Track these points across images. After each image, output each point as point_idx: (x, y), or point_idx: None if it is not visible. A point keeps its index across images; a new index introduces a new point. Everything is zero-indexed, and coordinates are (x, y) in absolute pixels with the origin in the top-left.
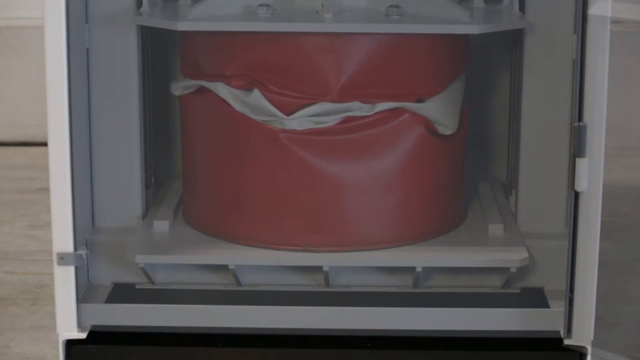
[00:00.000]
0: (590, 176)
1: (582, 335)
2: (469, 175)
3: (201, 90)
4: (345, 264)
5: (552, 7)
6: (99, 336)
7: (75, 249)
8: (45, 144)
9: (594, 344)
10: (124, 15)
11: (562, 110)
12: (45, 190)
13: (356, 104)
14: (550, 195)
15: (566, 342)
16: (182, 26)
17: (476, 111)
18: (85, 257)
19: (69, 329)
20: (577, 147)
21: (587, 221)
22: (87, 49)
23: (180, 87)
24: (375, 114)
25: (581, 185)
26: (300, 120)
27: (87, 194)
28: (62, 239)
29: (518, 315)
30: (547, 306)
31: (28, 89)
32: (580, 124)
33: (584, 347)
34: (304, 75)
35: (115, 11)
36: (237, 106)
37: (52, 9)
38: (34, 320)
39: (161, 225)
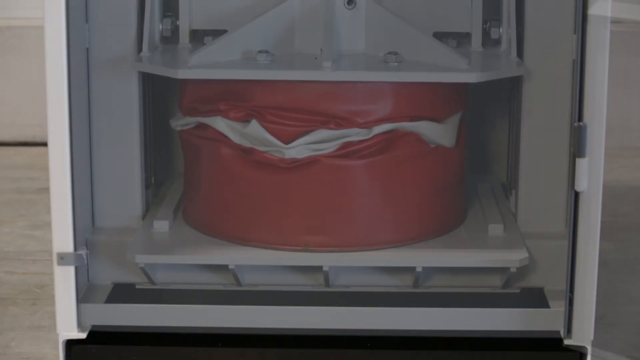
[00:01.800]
0: (590, 176)
1: (582, 335)
2: (469, 175)
3: (200, 125)
4: (345, 264)
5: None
6: (99, 336)
7: (75, 249)
8: (45, 144)
9: (594, 344)
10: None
11: (562, 111)
12: (45, 190)
13: (354, 129)
14: (550, 195)
15: (566, 342)
16: (182, 74)
17: (476, 112)
18: (85, 257)
19: (69, 329)
20: (577, 147)
21: (587, 221)
22: (87, 48)
23: (180, 124)
24: (373, 137)
25: (581, 185)
26: (299, 149)
27: (87, 194)
28: (62, 239)
29: (518, 315)
30: (547, 306)
31: (28, 89)
32: (580, 124)
33: (584, 347)
34: (302, 110)
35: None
36: (236, 138)
37: (52, 9)
38: (34, 320)
39: (161, 225)
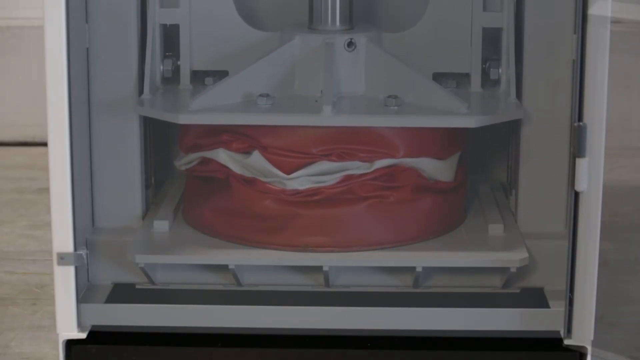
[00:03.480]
0: (590, 176)
1: (582, 335)
2: (469, 175)
3: (203, 161)
4: (345, 263)
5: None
6: (99, 336)
7: (75, 249)
8: (45, 144)
9: (594, 344)
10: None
11: (562, 110)
12: (45, 190)
13: (355, 163)
14: (550, 195)
15: (566, 342)
16: (183, 119)
17: None
18: (85, 257)
19: (69, 329)
20: (577, 147)
21: (587, 221)
22: (87, 48)
23: (183, 163)
24: (374, 171)
25: (581, 185)
26: (301, 180)
27: (87, 194)
28: (62, 239)
29: (518, 315)
30: (547, 306)
31: (28, 89)
32: (580, 124)
33: (584, 347)
34: (303, 145)
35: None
36: (238, 169)
37: (52, 9)
38: (34, 320)
39: (161, 225)
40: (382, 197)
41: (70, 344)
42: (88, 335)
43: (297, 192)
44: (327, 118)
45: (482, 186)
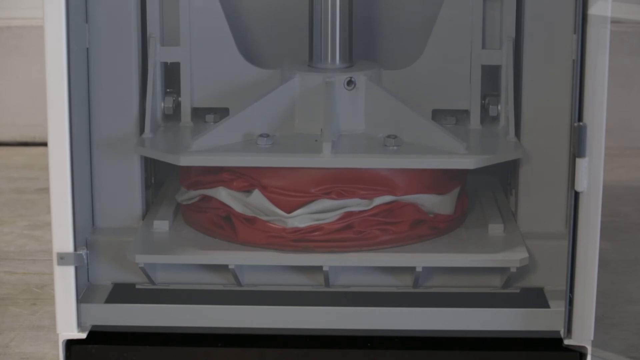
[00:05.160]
0: (590, 176)
1: (582, 335)
2: (469, 175)
3: (204, 198)
4: (345, 263)
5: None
6: (99, 336)
7: (75, 249)
8: (45, 144)
9: (594, 344)
10: None
11: (562, 111)
12: (45, 190)
13: (355, 200)
14: (550, 195)
15: (566, 342)
16: (184, 161)
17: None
18: (85, 257)
19: (69, 329)
20: (577, 147)
21: (587, 221)
22: (87, 49)
23: (185, 198)
24: (374, 207)
25: (581, 185)
26: (301, 218)
27: (87, 194)
28: (62, 239)
29: (518, 315)
30: (547, 306)
31: (28, 89)
32: (580, 124)
33: (584, 347)
34: (303, 185)
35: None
36: (239, 208)
37: (52, 9)
38: (34, 320)
39: (161, 225)
40: (381, 231)
41: (70, 344)
42: (88, 335)
43: (297, 230)
44: (327, 160)
45: (482, 186)
